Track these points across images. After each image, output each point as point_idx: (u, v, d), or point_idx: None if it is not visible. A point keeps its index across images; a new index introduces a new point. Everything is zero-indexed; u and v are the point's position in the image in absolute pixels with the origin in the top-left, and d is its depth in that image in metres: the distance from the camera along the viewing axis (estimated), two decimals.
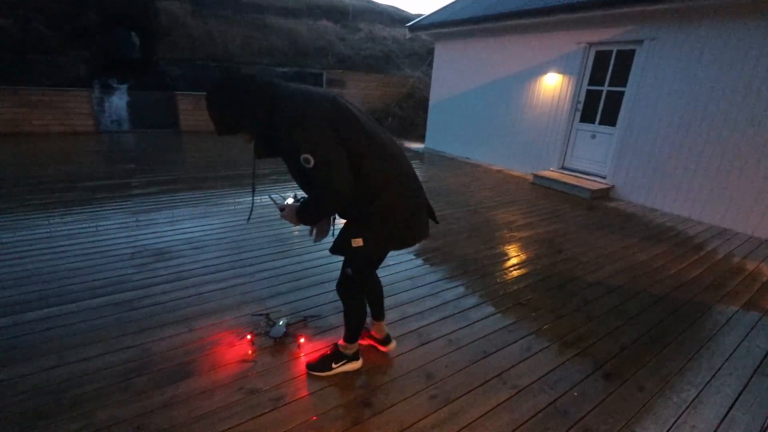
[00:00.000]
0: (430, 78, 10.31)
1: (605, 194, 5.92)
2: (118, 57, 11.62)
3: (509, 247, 3.88)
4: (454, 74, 8.51)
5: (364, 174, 1.57)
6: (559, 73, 6.43)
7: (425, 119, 9.85)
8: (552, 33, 6.44)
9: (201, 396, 1.85)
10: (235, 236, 3.70)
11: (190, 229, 3.80)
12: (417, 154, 8.97)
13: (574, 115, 6.42)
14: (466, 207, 5.07)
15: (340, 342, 2.05)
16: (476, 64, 7.91)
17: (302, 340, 2.26)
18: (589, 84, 6.20)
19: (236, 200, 4.77)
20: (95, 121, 9.06)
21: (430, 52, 13.23)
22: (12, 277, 2.78)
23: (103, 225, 3.78)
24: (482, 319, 2.63)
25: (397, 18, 20.12)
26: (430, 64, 9.89)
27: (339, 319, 2.49)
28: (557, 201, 5.59)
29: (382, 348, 2.21)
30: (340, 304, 2.06)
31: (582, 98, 6.30)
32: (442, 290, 2.96)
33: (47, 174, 5.43)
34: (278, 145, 1.57)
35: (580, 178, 6.19)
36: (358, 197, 1.59)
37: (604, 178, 6.05)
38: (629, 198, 5.78)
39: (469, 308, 2.74)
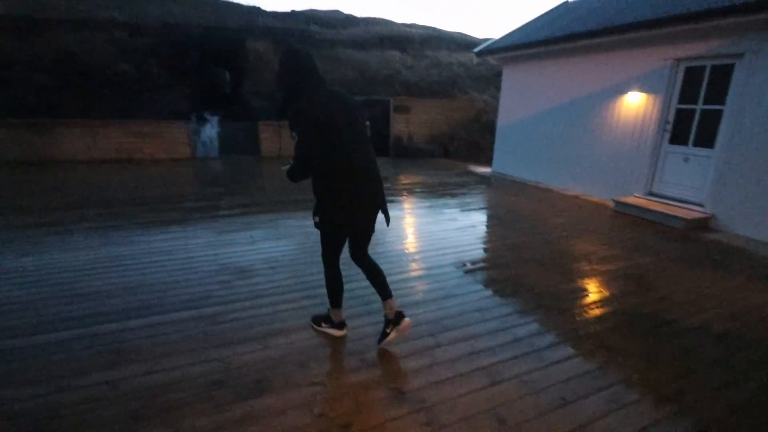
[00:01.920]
0: (497, 101, 10.15)
1: (703, 224, 5.25)
2: (212, 92, 13.10)
3: (589, 282, 3.58)
4: (524, 96, 8.29)
5: (328, 166, 2.16)
6: (643, 91, 5.96)
7: (492, 142, 9.65)
8: (633, 50, 6.03)
9: (273, 415, 1.93)
10: (305, 258, 3.88)
11: (266, 249, 4.07)
12: (483, 178, 8.77)
13: (662, 136, 5.86)
14: (538, 235, 4.81)
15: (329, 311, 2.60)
16: (547, 86, 7.64)
17: (371, 366, 2.26)
18: (679, 102, 5.65)
19: (305, 223, 5.03)
20: (191, 149, 10.25)
21: (498, 75, 13.07)
22: (120, 287, 3.18)
23: (194, 243, 4.20)
24: (560, 361, 2.42)
25: (463, 43, 20.29)
26: (498, 88, 9.75)
27: (410, 348, 2.47)
28: (644, 231, 5.08)
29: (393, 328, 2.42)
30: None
31: (671, 118, 5.75)
32: (514, 325, 2.80)
33: (152, 195, 6.21)
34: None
35: (672, 205, 5.58)
36: (320, 182, 2.22)
37: (702, 206, 5.38)
38: (733, 229, 5.06)
39: (544, 347, 2.55)
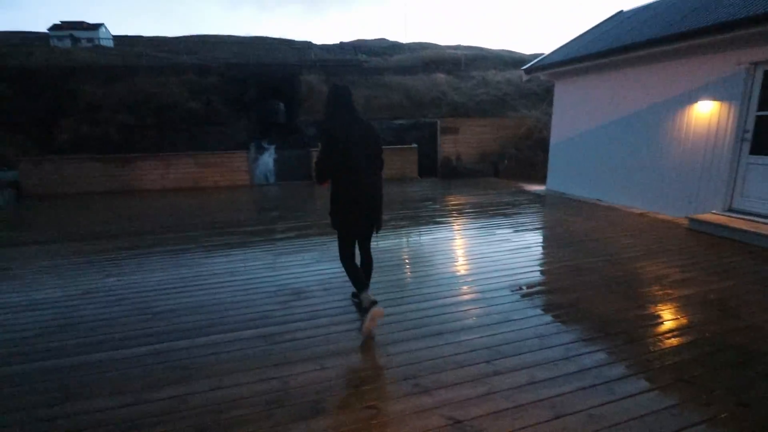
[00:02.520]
0: (549, 117, 9.85)
1: None
2: (268, 123, 14.03)
3: (663, 308, 3.27)
4: (578, 112, 7.97)
5: (336, 178, 2.83)
6: (715, 99, 5.49)
7: (545, 159, 9.32)
8: (701, 56, 5.61)
9: None
10: None
11: (320, 271, 4.19)
12: (537, 197, 8.45)
13: (741, 146, 5.33)
14: (602, 256, 4.50)
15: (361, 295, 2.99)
16: (605, 99, 7.30)
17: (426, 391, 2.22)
18: (759, 109, 5.14)
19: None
20: (250, 176, 10.96)
21: (548, 91, 12.73)
22: (189, 306, 3.42)
23: (253, 264, 4.43)
24: (633, 395, 2.21)
25: (510, 61, 20.10)
26: (550, 103, 9.47)
27: (465, 374, 2.41)
28: (726, 251, 4.58)
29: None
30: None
31: (750, 126, 5.23)
32: (579, 354, 2.61)
33: (215, 221, 6.69)
34: None
35: (758, 222, 4.99)
36: (332, 188, 2.88)
37: None
38: None
39: (615, 379, 2.35)
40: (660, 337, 2.81)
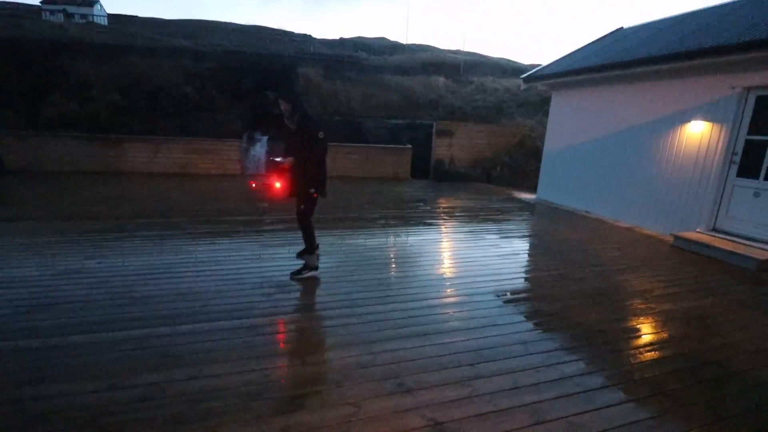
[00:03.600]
0: (543, 127, 9.94)
1: None
2: (262, 114, 13.86)
3: (645, 321, 3.31)
4: (574, 123, 8.07)
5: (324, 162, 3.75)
6: (707, 120, 5.61)
7: (537, 168, 9.41)
8: (696, 77, 5.72)
9: None
10: (346, 275, 3.91)
11: None
12: (527, 205, 8.52)
13: (729, 168, 5.45)
14: (588, 267, 4.55)
15: (304, 255, 3.81)
16: (600, 113, 7.39)
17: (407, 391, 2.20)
18: (749, 133, 5.26)
19: (344, 241, 5.08)
20: (242, 166, 10.80)
21: (545, 101, 12.85)
22: (172, 293, 3.34)
23: (239, 255, 4.36)
24: (613, 405, 2.23)
25: (509, 69, 20.26)
26: (546, 113, 9.57)
27: (448, 376, 2.40)
28: (707, 269, 4.67)
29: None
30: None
31: (738, 150, 5.35)
32: (561, 362, 2.63)
33: (204, 208, 6.57)
34: (305, 129, 3.60)
35: (740, 243, 5.10)
36: (322, 170, 3.72)
37: None
38: None
39: (595, 389, 2.36)
40: (641, 350, 2.85)
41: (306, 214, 3.75)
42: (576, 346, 2.84)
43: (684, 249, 5.41)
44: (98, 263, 3.93)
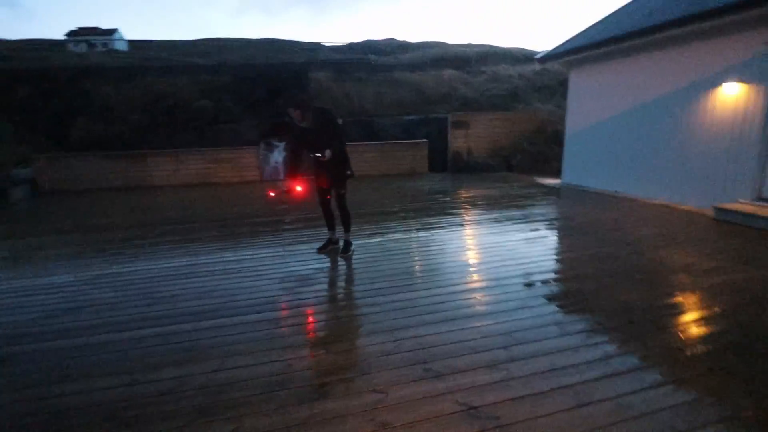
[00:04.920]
0: (562, 110, 9.59)
1: None
2: (278, 121, 14.01)
3: (692, 296, 3.06)
4: (594, 101, 7.72)
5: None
6: (741, 82, 5.22)
7: (559, 153, 9.07)
8: (725, 37, 5.34)
9: (335, 420, 1.81)
10: (367, 267, 3.82)
11: (326, 259, 4.09)
12: (552, 189, 8.21)
13: None
14: (624, 245, 4.29)
15: (348, 236, 4.22)
16: (621, 87, 7.04)
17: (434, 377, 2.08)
18: None
19: (365, 233, 5.00)
20: (260, 172, 10.93)
21: (561, 84, 12.43)
22: (197, 291, 3.34)
23: (261, 253, 4.34)
24: (663, 384, 2.04)
25: (521, 57, 19.74)
26: (563, 96, 9.22)
27: (479, 359, 2.26)
28: (755, 241, 4.32)
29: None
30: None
31: None
32: (601, 342, 2.44)
33: (225, 213, 6.65)
34: (322, 120, 3.72)
35: None
36: (345, 158, 3.95)
37: None
38: None
39: (642, 368, 2.17)
40: (690, 325, 2.62)
41: (345, 197, 4.02)
42: (617, 324, 2.64)
43: (727, 221, 5.04)
44: (125, 268, 3.99)
